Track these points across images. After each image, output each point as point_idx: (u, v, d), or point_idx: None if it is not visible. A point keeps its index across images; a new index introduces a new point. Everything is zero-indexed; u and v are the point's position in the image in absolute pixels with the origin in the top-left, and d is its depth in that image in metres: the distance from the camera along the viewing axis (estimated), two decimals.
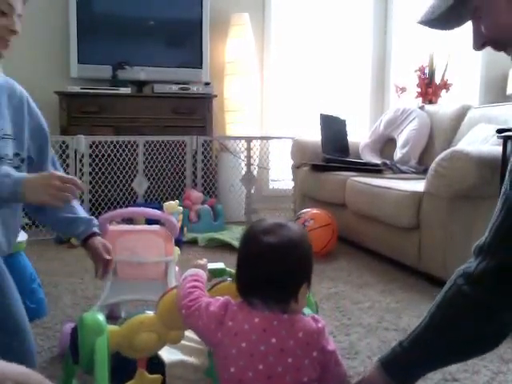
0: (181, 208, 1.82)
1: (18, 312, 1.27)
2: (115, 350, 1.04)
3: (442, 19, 0.83)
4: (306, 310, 1.17)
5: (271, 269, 0.86)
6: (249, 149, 3.61)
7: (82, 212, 1.48)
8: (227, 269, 1.12)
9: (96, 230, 1.48)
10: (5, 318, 1.23)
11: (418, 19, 0.86)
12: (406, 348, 0.98)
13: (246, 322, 0.85)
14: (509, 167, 0.92)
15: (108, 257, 1.45)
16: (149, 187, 3.45)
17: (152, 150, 3.46)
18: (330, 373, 0.91)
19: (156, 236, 1.55)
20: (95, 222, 1.49)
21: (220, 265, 1.13)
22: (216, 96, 3.80)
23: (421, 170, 2.96)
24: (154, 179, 3.49)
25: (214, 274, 1.11)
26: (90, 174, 3.28)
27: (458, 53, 4.10)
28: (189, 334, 1.12)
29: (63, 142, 3.17)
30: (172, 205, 1.69)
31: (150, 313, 1.05)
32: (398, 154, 3.21)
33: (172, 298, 1.02)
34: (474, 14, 0.82)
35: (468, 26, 0.85)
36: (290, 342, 0.84)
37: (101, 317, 1.03)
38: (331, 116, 3.41)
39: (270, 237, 0.88)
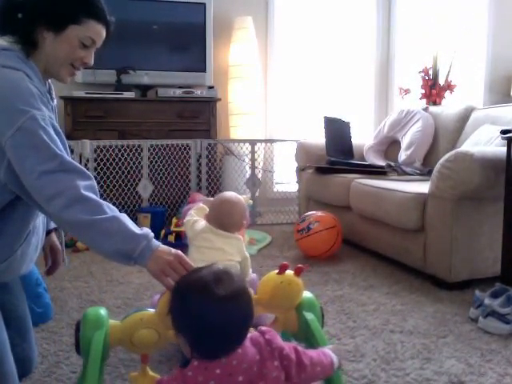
0: (251, 201, 1.91)
1: (25, 313, 1.38)
2: (116, 344, 1.07)
3: None
4: (309, 316, 1.16)
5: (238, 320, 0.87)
6: (253, 152, 3.61)
7: None
8: None
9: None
10: (14, 317, 1.31)
11: None
12: None
13: (209, 379, 0.85)
14: None
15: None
16: (154, 191, 3.46)
17: (156, 154, 3.48)
18: (302, 373, 0.94)
19: None
20: None
21: None
22: (220, 99, 3.82)
23: (425, 171, 2.95)
24: (158, 183, 3.50)
25: None
26: (95, 178, 3.29)
27: (462, 54, 4.10)
28: None
29: (68, 147, 3.17)
30: (244, 198, 1.84)
31: (151, 310, 1.08)
32: (403, 155, 3.20)
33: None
34: None
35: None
36: (254, 369, 0.89)
37: (103, 311, 1.08)
38: (335, 118, 3.41)
39: (220, 289, 0.86)
